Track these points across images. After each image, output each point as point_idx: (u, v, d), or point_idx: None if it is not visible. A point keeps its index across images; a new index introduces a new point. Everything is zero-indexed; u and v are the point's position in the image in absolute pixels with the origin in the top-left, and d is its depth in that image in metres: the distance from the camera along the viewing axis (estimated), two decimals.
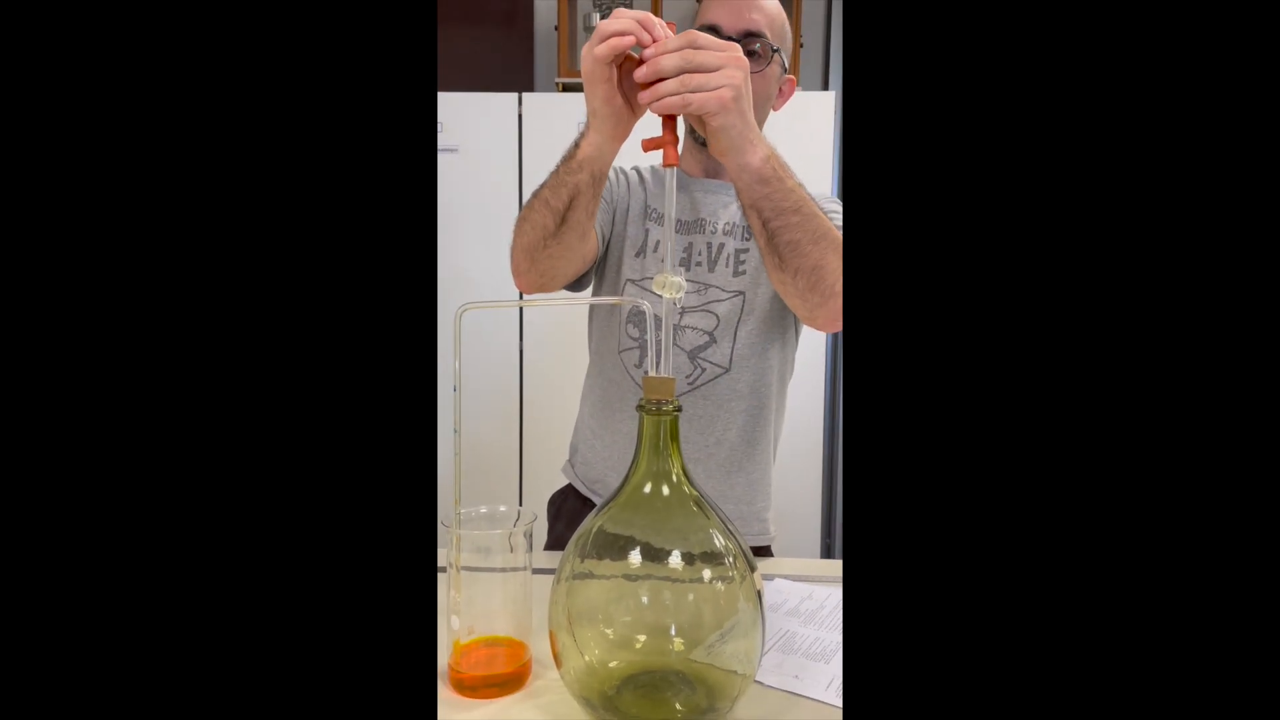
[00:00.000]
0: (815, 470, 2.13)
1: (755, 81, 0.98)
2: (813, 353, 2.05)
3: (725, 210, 1.08)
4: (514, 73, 2.61)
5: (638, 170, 1.15)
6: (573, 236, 0.91)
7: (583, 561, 0.64)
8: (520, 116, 2.07)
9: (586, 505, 1.14)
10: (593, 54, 0.75)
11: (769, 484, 1.14)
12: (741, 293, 1.06)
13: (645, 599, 0.63)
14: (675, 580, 0.62)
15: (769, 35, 1.01)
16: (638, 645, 0.63)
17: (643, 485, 0.65)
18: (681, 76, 0.72)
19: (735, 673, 0.62)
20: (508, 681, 0.69)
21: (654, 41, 0.74)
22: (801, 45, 2.37)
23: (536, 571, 0.74)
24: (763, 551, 1.13)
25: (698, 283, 1.06)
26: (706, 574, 0.62)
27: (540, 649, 0.70)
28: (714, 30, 0.98)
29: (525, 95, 2.08)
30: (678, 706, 0.63)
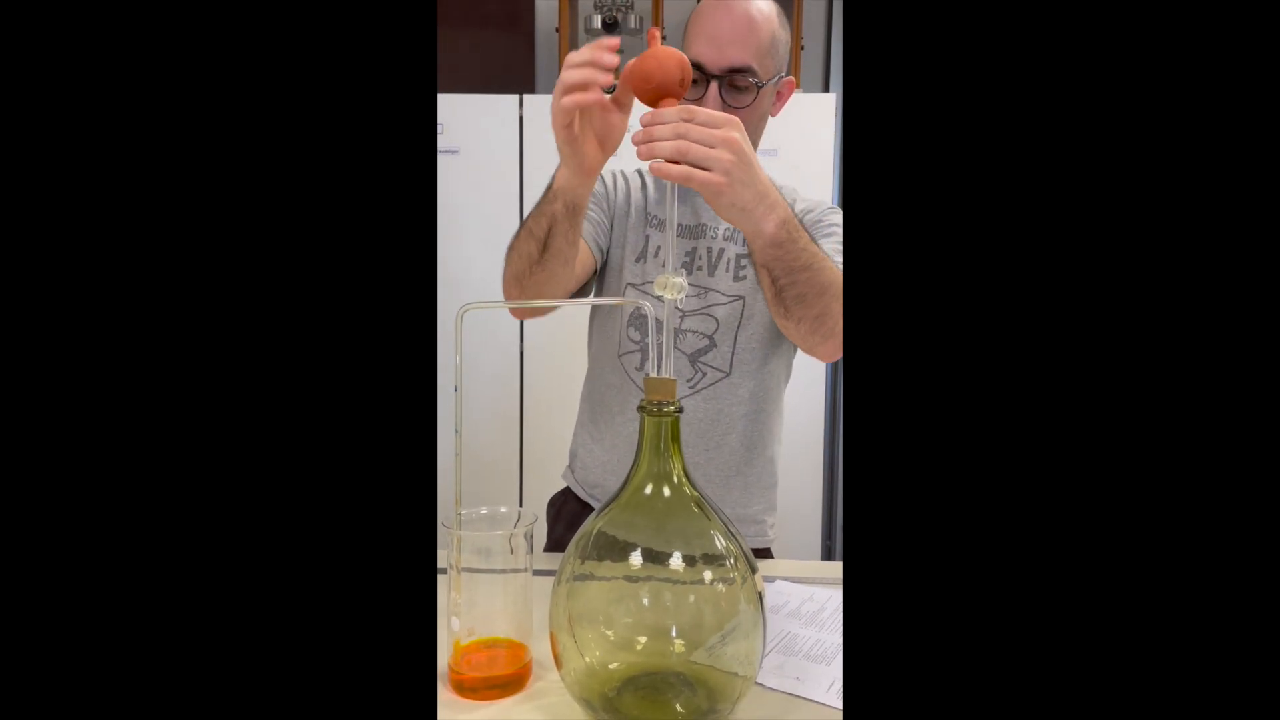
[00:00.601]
0: (816, 472, 2.13)
1: (744, 114, 0.96)
2: None
3: None
4: (515, 74, 2.61)
5: (640, 173, 1.14)
6: (556, 263, 0.92)
7: (583, 563, 0.64)
8: (521, 118, 2.07)
9: (587, 507, 1.14)
10: (559, 105, 0.76)
11: (771, 489, 1.14)
12: (741, 297, 1.06)
13: (646, 600, 0.63)
14: (676, 582, 0.62)
15: (756, 67, 0.96)
16: (638, 647, 0.63)
17: (643, 486, 0.65)
18: (678, 145, 0.71)
19: (736, 674, 0.62)
20: (508, 683, 0.69)
21: (612, 81, 0.74)
22: (803, 48, 2.37)
23: (537, 573, 0.74)
24: (763, 554, 1.13)
25: (698, 286, 1.06)
26: (707, 575, 0.62)
27: (541, 651, 0.70)
28: (698, 67, 0.95)
29: (526, 97, 2.08)
30: (678, 708, 0.63)
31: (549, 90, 2.56)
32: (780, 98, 1.05)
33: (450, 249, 2.08)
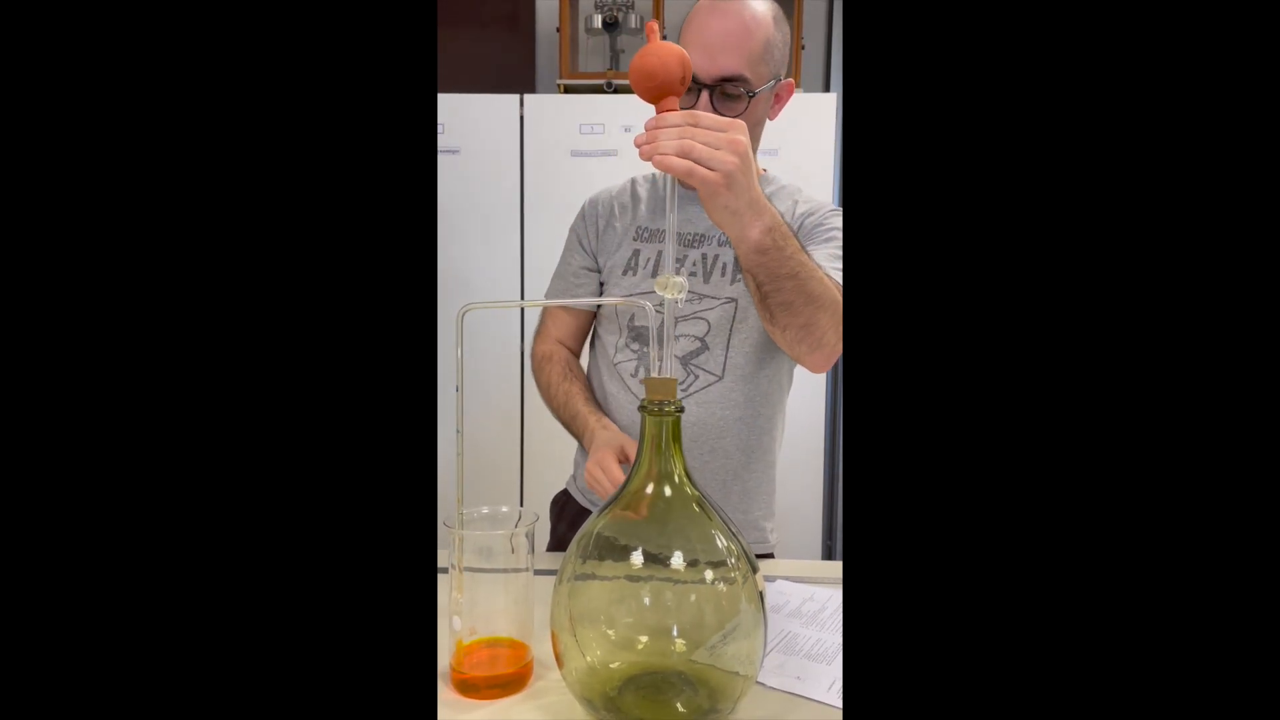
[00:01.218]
0: (817, 472, 2.13)
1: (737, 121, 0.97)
2: None
3: None
4: (515, 74, 2.61)
5: (633, 183, 1.14)
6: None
7: (584, 562, 0.64)
8: (522, 118, 2.07)
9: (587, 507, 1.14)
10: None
11: (770, 493, 1.13)
12: (734, 300, 1.05)
13: (647, 600, 0.63)
14: (677, 581, 0.62)
15: (749, 75, 0.95)
16: (639, 646, 0.63)
17: (644, 486, 0.65)
18: (683, 145, 0.71)
19: (737, 674, 0.62)
20: (509, 682, 0.69)
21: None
22: (803, 47, 2.37)
23: (538, 572, 0.74)
24: (763, 559, 1.12)
25: (692, 293, 1.05)
26: (708, 575, 0.62)
27: (542, 650, 0.70)
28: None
29: (526, 97, 2.08)
30: (679, 707, 0.63)
31: (549, 89, 2.54)
32: (779, 100, 1.04)
33: (450, 249, 2.08)
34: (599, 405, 1.11)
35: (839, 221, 1.04)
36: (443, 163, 2.07)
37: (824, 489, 2.16)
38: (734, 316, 1.05)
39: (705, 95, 0.95)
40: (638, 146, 0.73)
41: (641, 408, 0.65)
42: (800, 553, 2.07)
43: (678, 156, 0.71)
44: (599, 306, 1.14)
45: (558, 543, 1.16)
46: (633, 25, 2.30)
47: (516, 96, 2.08)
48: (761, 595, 0.63)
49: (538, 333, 1.19)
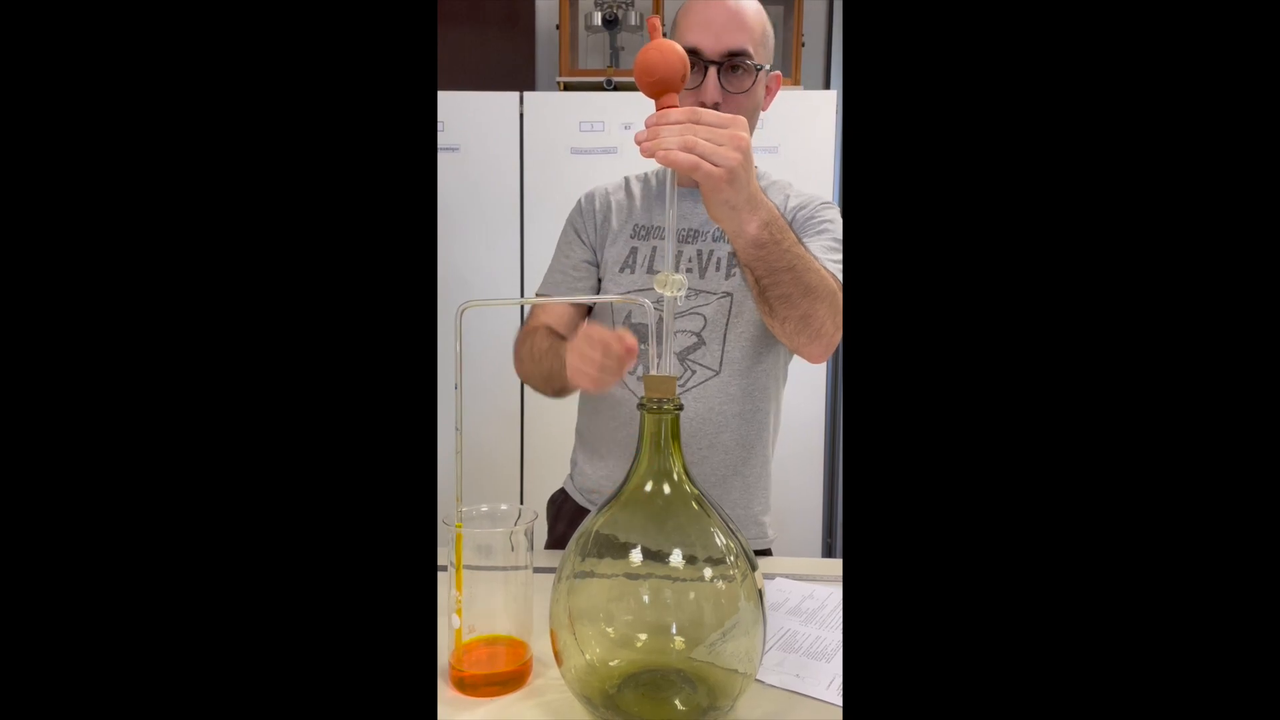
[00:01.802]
0: (816, 469, 2.13)
1: (742, 100, 0.98)
2: None
3: None
4: (515, 72, 2.60)
5: (627, 181, 1.14)
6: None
7: (584, 560, 0.64)
8: (521, 116, 2.06)
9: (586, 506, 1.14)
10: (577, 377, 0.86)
11: (767, 488, 1.13)
12: (729, 294, 1.05)
13: (646, 598, 0.63)
14: (676, 579, 0.62)
15: (752, 51, 0.98)
16: (639, 644, 0.63)
17: (644, 484, 0.65)
18: (685, 140, 0.72)
19: (736, 671, 0.62)
20: (509, 680, 0.69)
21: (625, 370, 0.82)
22: (803, 44, 2.37)
23: (537, 570, 0.74)
24: (762, 554, 1.12)
25: (689, 289, 1.05)
26: (707, 573, 0.62)
27: (541, 648, 0.70)
28: (695, 53, 0.95)
29: (526, 94, 2.07)
30: (679, 705, 0.63)
31: (549, 87, 2.53)
32: (769, 92, 1.06)
33: (450, 247, 2.08)
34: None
35: (830, 214, 1.05)
36: (442, 160, 2.07)
37: (824, 487, 2.16)
38: (730, 311, 1.05)
39: (712, 73, 0.96)
40: (639, 144, 0.73)
41: (640, 405, 0.65)
42: (800, 550, 2.07)
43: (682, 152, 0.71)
44: (594, 304, 1.13)
45: (555, 542, 1.16)
46: (633, 22, 2.30)
47: (516, 94, 2.08)
48: (761, 593, 0.63)
49: (524, 325, 1.14)
